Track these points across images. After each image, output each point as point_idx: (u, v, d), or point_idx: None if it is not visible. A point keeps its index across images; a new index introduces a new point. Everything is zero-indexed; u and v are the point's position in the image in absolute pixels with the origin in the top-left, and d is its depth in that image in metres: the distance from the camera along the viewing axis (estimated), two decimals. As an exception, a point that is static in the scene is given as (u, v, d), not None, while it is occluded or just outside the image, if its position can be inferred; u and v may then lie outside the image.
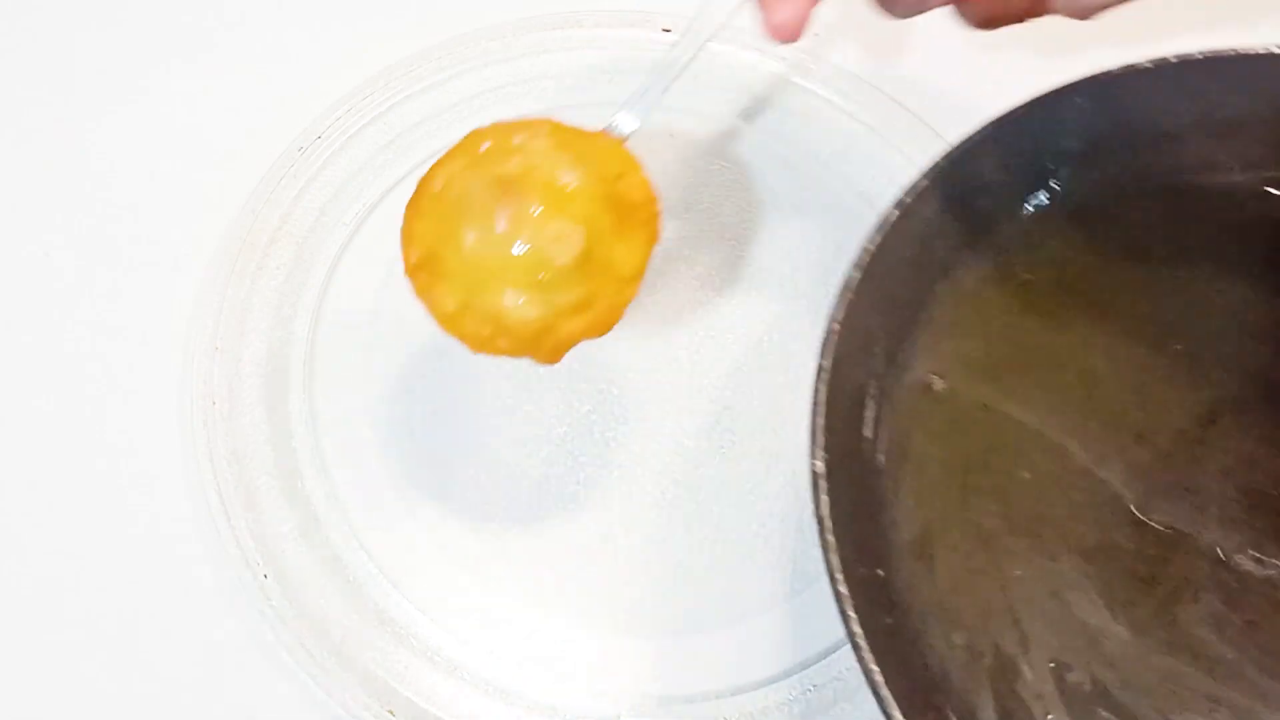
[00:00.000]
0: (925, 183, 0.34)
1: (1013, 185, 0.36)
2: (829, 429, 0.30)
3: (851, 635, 0.28)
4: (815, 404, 0.31)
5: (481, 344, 0.32)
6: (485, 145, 0.33)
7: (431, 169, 0.34)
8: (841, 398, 0.32)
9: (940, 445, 0.34)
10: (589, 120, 0.46)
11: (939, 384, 0.35)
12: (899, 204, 0.33)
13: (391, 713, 0.35)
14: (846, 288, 0.32)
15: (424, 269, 0.32)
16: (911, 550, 0.33)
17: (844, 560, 0.28)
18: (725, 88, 0.46)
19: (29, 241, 0.43)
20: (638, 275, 0.33)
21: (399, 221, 0.43)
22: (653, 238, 0.34)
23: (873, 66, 0.47)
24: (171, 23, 0.48)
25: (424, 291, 0.33)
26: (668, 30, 0.47)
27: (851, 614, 0.28)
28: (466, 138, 0.34)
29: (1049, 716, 0.31)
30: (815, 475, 0.30)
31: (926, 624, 0.31)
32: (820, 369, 0.31)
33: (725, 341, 0.41)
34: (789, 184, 0.44)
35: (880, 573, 0.31)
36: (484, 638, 0.36)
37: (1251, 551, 0.33)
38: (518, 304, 0.32)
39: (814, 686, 0.35)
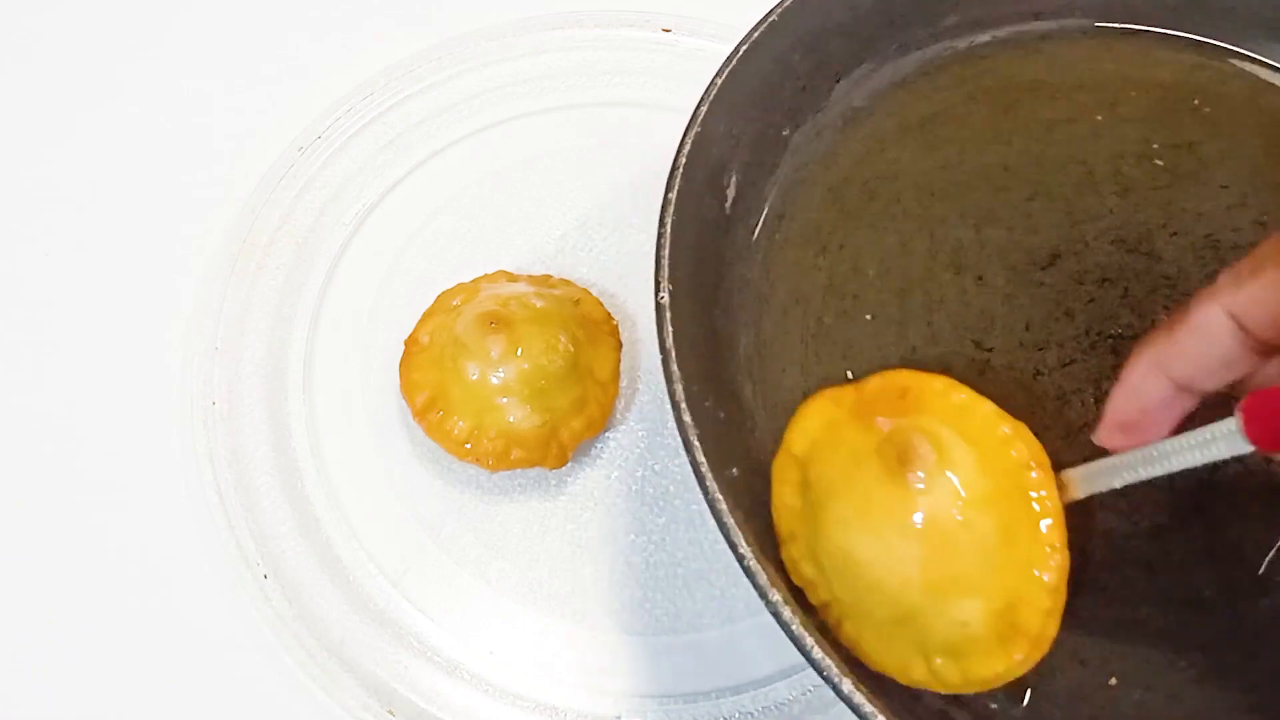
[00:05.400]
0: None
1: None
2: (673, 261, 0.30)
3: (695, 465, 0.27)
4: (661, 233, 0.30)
5: (498, 460, 0.36)
6: (456, 300, 0.38)
7: (414, 329, 0.38)
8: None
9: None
10: (589, 119, 0.46)
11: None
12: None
13: (391, 713, 0.35)
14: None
15: (431, 409, 0.36)
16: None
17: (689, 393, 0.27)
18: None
19: (29, 241, 0.43)
20: (615, 378, 0.38)
21: (399, 221, 0.43)
22: (618, 346, 0.38)
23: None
24: (172, 22, 0.48)
25: (435, 428, 0.36)
26: (668, 30, 0.47)
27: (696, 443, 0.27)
28: (436, 300, 0.39)
29: None
30: (660, 307, 0.29)
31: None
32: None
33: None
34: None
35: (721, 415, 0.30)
36: (484, 638, 0.36)
37: None
38: (524, 414, 0.35)
39: (814, 686, 0.35)
